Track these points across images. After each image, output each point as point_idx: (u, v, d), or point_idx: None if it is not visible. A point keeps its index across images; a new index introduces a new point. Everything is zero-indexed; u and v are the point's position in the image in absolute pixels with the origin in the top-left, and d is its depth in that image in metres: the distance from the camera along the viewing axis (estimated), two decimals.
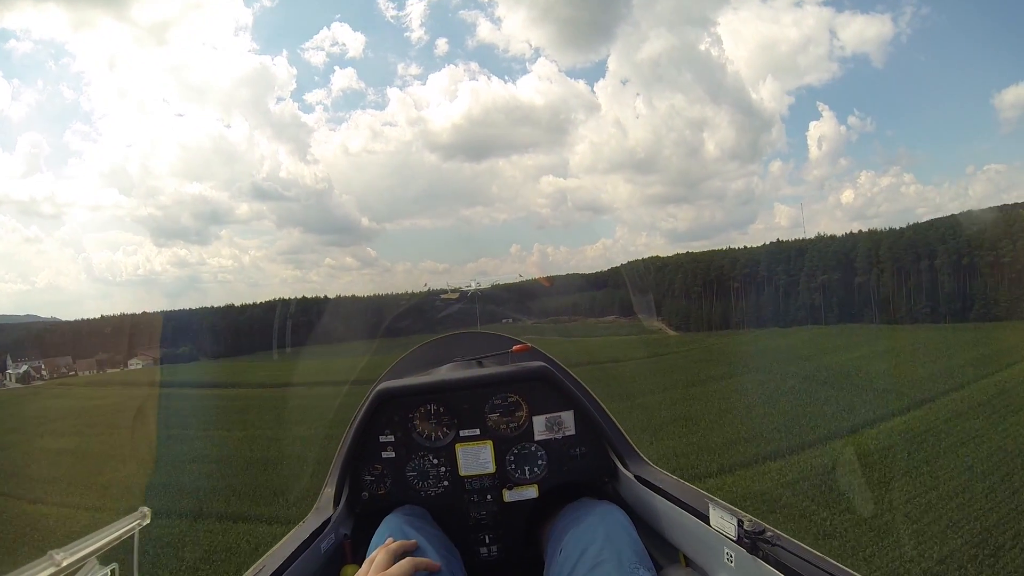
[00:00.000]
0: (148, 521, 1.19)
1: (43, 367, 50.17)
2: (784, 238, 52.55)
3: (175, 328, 53.10)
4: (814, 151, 62.32)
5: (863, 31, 60.31)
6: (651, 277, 61.02)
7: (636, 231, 73.06)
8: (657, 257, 65.02)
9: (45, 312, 64.86)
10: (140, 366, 50.97)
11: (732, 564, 1.58)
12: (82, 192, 70.01)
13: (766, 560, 1.43)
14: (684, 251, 58.69)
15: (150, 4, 67.12)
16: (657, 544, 2.02)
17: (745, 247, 53.23)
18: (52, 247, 66.83)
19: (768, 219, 65.68)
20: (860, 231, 50.42)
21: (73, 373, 50.55)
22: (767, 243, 52.84)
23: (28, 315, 53.69)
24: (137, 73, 68.19)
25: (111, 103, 67.87)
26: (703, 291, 51.94)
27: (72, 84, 70.54)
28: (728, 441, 17.63)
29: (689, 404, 22.73)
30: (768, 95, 62.15)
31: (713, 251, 56.34)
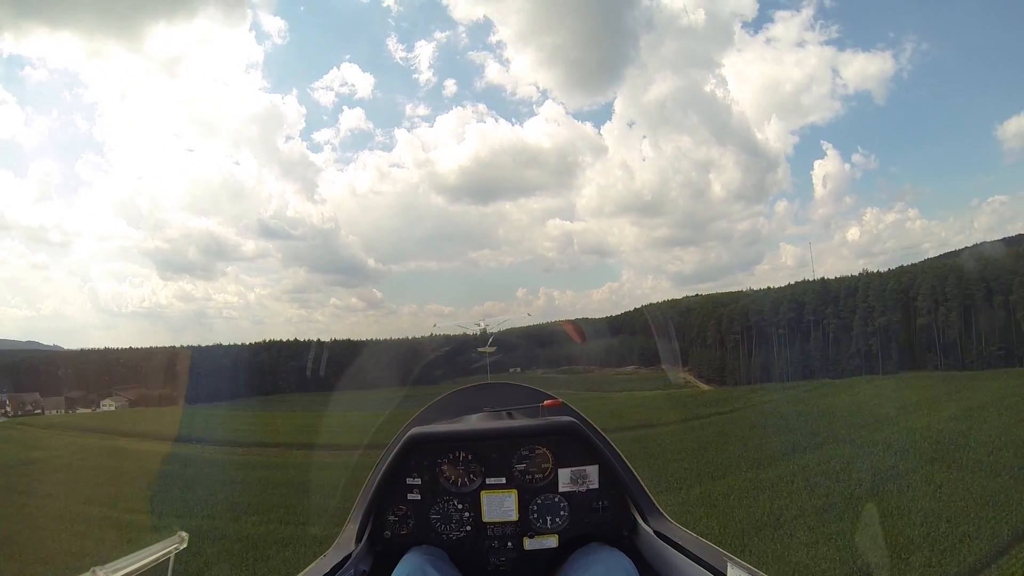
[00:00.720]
0: (185, 545, 1.24)
1: (7, 402, 45.80)
2: (791, 278, 52.69)
3: (170, 366, 50.32)
4: (819, 190, 62.62)
5: (864, 68, 58.86)
6: (675, 322, 57.01)
7: (642, 274, 71.17)
8: (678, 300, 62.76)
9: (48, 340, 63.65)
10: (113, 408, 47.17)
11: None
12: (91, 222, 69.73)
13: None
14: (693, 294, 57.95)
15: (163, 37, 68.01)
16: None
17: (788, 284, 47.13)
18: (59, 275, 65.47)
19: (774, 259, 64.74)
20: (913, 263, 44.26)
21: (39, 411, 46.20)
22: (804, 280, 46.72)
23: (30, 341, 52.69)
24: (149, 106, 69.40)
25: (123, 134, 68.59)
26: (739, 338, 45.44)
27: (86, 114, 73.18)
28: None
29: (774, 501, 16.06)
30: (773, 135, 61.03)
31: (745, 292, 50.94)
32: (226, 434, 34.50)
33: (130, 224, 69.34)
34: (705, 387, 44.84)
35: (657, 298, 66.74)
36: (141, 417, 40.75)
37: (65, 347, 52.73)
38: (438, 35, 69.59)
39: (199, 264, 66.58)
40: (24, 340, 53.57)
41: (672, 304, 63.29)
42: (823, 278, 46.97)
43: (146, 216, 62.76)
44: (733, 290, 56.04)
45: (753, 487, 17.65)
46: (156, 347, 54.77)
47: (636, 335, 59.28)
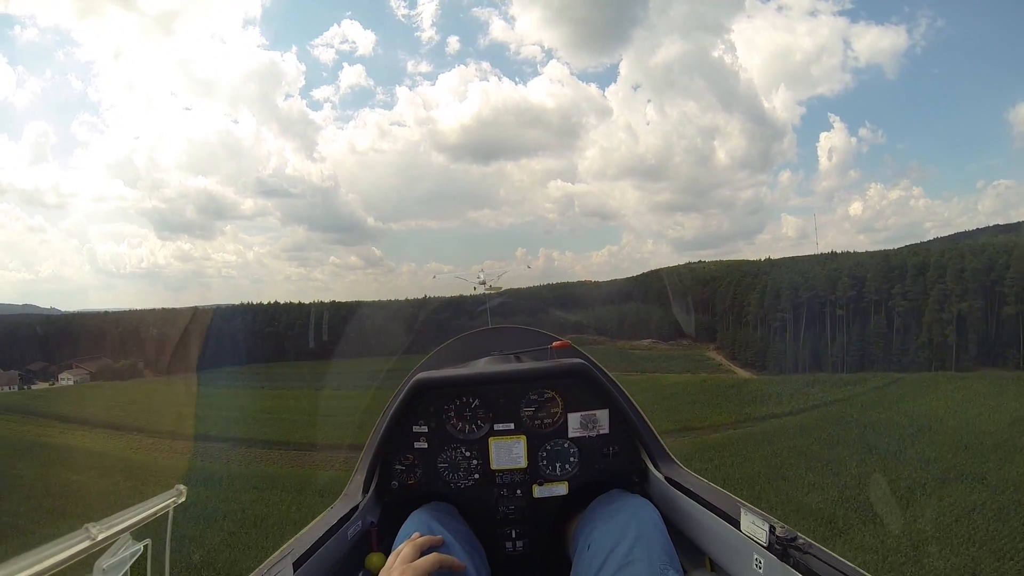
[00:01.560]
0: (183, 499, 1.21)
1: None
2: (792, 250, 52.84)
3: (149, 331, 48.18)
4: (824, 162, 61.85)
5: (877, 42, 58.78)
6: (695, 292, 50.65)
7: (642, 238, 72.27)
8: (697, 264, 57.34)
9: (45, 302, 61.01)
10: (71, 382, 44.48)
11: (761, 570, 1.55)
12: (87, 183, 68.90)
13: (796, 568, 1.40)
14: (696, 260, 55.20)
15: None
16: (684, 547, 1.96)
17: (850, 252, 39.98)
18: (56, 237, 66.37)
19: (775, 230, 64.83)
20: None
21: None
22: (868, 252, 39.52)
23: (27, 304, 52.22)
24: (145, 65, 67.85)
25: (118, 94, 66.79)
26: (785, 316, 38.27)
27: (80, 74, 70.04)
28: None
29: None
30: (780, 104, 61.60)
31: (789, 259, 43.70)
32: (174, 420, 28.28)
33: (127, 184, 68.11)
34: (743, 372, 38.07)
35: (658, 263, 65.13)
36: (93, 394, 37.51)
37: (62, 309, 50.67)
38: None
39: (197, 223, 66.62)
40: (20, 303, 53.07)
41: (690, 270, 56.92)
42: (885, 251, 39.58)
43: (143, 176, 62.86)
44: (773, 256, 50.99)
45: None
46: (148, 309, 52.05)
47: (649, 304, 53.19)
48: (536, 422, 2.26)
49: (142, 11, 67.91)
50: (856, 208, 63.10)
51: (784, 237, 65.97)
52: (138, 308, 52.82)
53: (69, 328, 49.25)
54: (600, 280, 62.04)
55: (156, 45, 69.63)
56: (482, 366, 2.52)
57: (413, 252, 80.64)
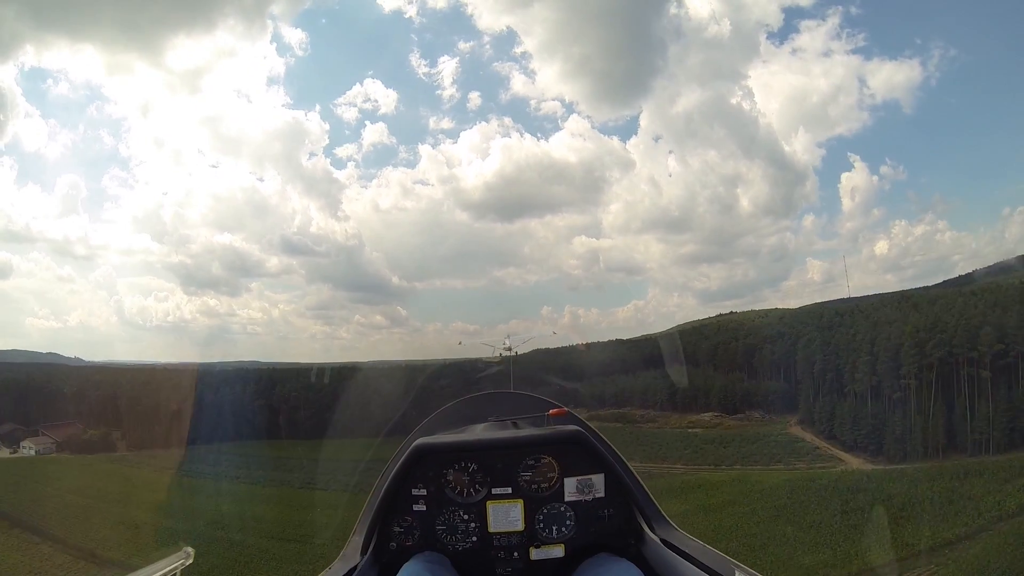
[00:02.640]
0: (191, 561, 1.21)
1: None
2: (819, 295, 55.63)
3: (140, 390, 45.10)
4: (847, 203, 62.55)
5: (891, 77, 58.74)
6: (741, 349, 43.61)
7: (668, 292, 69.39)
8: (733, 314, 52.94)
9: (71, 352, 60.25)
10: (32, 452, 41.09)
11: None
12: (116, 236, 71.73)
13: None
14: (727, 311, 54.13)
15: (184, 50, 69.06)
16: None
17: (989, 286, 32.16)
18: (85, 288, 67.06)
19: (801, 275, 63.68)
20: None
21: None
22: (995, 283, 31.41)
23: (51, 353, 52.78)
24: (172, 121, 71.57)
25: (147, 150, 71.31)
26: (913, 380, 29.44)
27: (111, 129, 77.43)
28: None
29: None
30: (801, 147, 61.21)
31: (887, 296, 35.39)
32: None
33: (155, 239, 68.24)
34: (855, 460, 29.12)
35: (684, 316, 64.12)
36: (42, 473, 35.10)
37: (86, 360, 52.24)
38: (462, 46, 69.71)
39: (223, 280, 67.94)
40: (45, 351, 53.17)
41: (732, 321, 49.44)
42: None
43: (170, 231, 64.17)
44: (793, 304, 50.53)
45: None
46: (171, 364, 53.22)
47: (700, 366, 45.26)
48: (533, 486, 2.36)
49: (169, 68, 68.90)
50: (882, 247, 59.93)
51: (810, 282, 63.33)
52: (163, 362, 54.95)
53: (67, 381, 47.06)
54: (629, 337, 57.21)
55: (183, 103, 72.30)
56: (480, 432, 2.62)
57: (438, 311, 78.87)
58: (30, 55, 56.37)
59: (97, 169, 77.18)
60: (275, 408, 46.44)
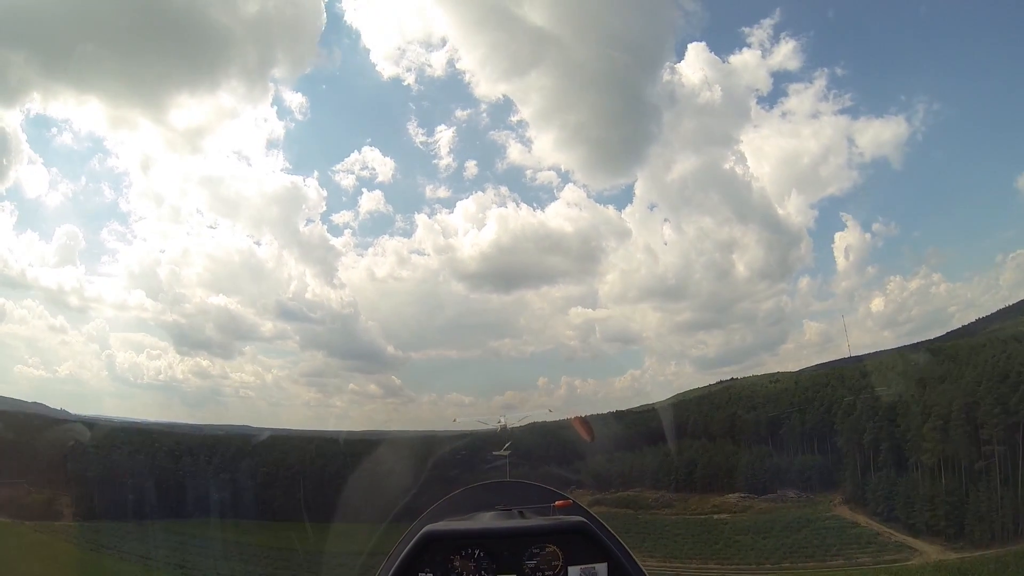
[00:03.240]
0: None
1: None
2: (817, 357, 55.06)
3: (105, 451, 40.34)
4: (841, 262, 62.07)
5: (879, 135, 61.09)
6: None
7: (665, 360, 70.80)
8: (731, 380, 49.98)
9: (58, 403, 57.79)
10: None
11: None
12: (110, 290, 71.77)
13: None
14: (726, 378, 52.38)
15: (186, 108, 70.88)
16: None
17: None
18: (77, 339, 68.25)
19: (798, 338, 64.85)
20: None
21: None
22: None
23: (36, 403, 51.21)
24: (173, 179, 75.53)
25: (147, 206, 73.90)
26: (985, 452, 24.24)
27: (112, 183, 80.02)
28: None
29: None
30: (794, 209, 62.63)
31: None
32: None
33: (149, 295, 70.20)
34: (932, 549, 23.45)
35: (681, 384, 63.39)
36: None
37: (72, 412, 50.31)
38: (459, 114, 72.01)
39: (216, 341, 68.32)
40: (31, 400, 51.53)
41: (741, 389, 45.31)
42: None
43: (166, 289, 64.42)
44: (793, 367, 49.04)
45: None
46: (162, 423, 52.21)
47: (715, 439, 40.06)
48: (538, 574, 2.44)
49: (171, 126, 70.49)
50: (878, 304, 60.34)
51: (808, 344, 63.45)
52: (152, 420, 53.80)
53: (38, 434, 42.42)
54: (628, 408, 54.19)
55: (184, 161, 72.28)
56: (488, 520, 2.75)
57: (433, 382, 77.09)
58: (36, 102, 57.08)
59: (96, 222, 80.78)
60: (263, 482, 41.08)
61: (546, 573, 2.40)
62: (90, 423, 46.15)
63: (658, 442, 43.93)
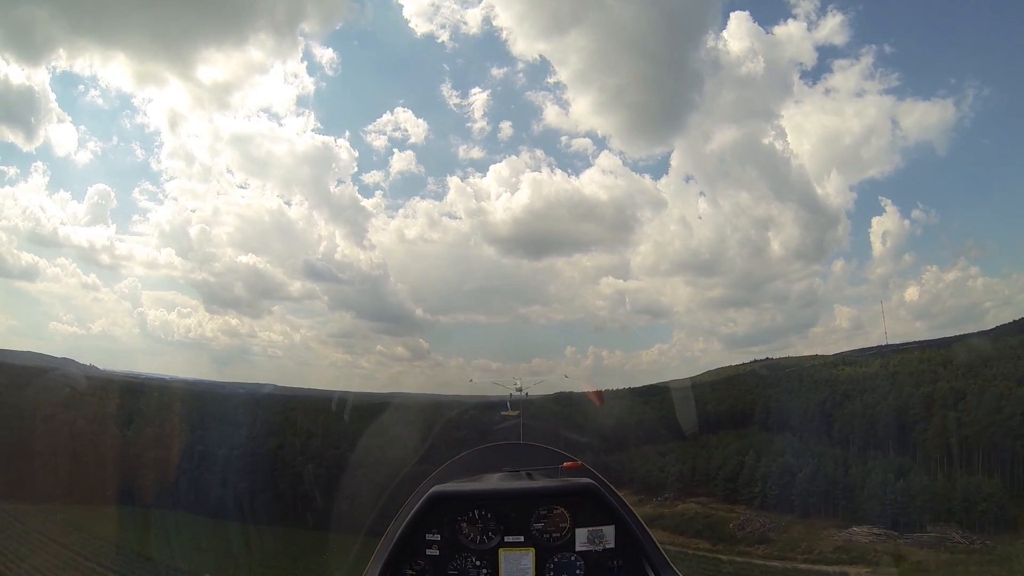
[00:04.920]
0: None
1: None
2: (846, 342, 55.39)
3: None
4: (877, 248, 58.64)
5: (925, 118, 56.83)
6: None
7: (694, 336, 67.67)
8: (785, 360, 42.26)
9: (89, 359, 55.89)
10: None
11: None
12: (141, 248, 69.74)
13: None
14: (745, 359, 48.88)
15: (213, 63, 68.74)
16: None
17: None
18: (109, 297, 68.29)
19: (828, 322, 60.15)
20: None
21: None
22: None
23: (66, 358, 49.33)
24: (202, 137, 70.65)
25: (177, 165, 70.35)
26: None
27: (143, 143, 78.12)
28: None
29: None
30: (833, 190, 58.03)
31: None
32: None
33: (179, 254, 69.00)
34: None
35: (709, 361, 66.82)
36: None
37: (102, 368, 49.35)
38: (495, 72, 70.85)
39: (245, 300, 69.34)
40: (60, 356, 53.05)
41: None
42: None
43: (196, 248, 63.08)
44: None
45: None
46: (188, 379, 50.80)
47: (798, 433, 29.59)
48: (545, 536, 2.45)
49: (199, 82, 66.82)
50: (912, 293, 56.46)
51: (837, 329, 59.41)
52: (181, 377, 52.22)
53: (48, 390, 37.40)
54: (657, 383, 47.51)
55: (213, 119, 67.67)
56: (495, 481, 2.72)
57: (461, 346, 79.25)
58: (62, 59, 55.47)
59: (127, 181, 79.80)
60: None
61: (553, 535, 2.43)
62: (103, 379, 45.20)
63: (718, 430, 34.96)
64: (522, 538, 2.41)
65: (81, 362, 49.77)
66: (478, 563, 2.40)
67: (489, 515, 2.42)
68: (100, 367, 49.72)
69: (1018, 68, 61.56)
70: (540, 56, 67.35)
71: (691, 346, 64.25)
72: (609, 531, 2.42)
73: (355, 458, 30.53)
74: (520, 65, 71.97)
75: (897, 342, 43.83)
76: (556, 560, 2.42)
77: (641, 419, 36.29)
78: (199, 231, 64.09)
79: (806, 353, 48.61)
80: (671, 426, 34.12)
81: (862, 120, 57.34)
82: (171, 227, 63.12)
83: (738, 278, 64.41)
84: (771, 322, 65.00)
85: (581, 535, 2.42)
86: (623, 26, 65.51)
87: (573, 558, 2.42)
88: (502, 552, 2.40)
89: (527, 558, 2.40)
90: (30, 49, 60.79)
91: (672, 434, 34.21)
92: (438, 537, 2.41)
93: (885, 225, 56.13)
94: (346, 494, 27.72)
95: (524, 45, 73.69)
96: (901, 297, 59.13)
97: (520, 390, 30.12)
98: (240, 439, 37.07)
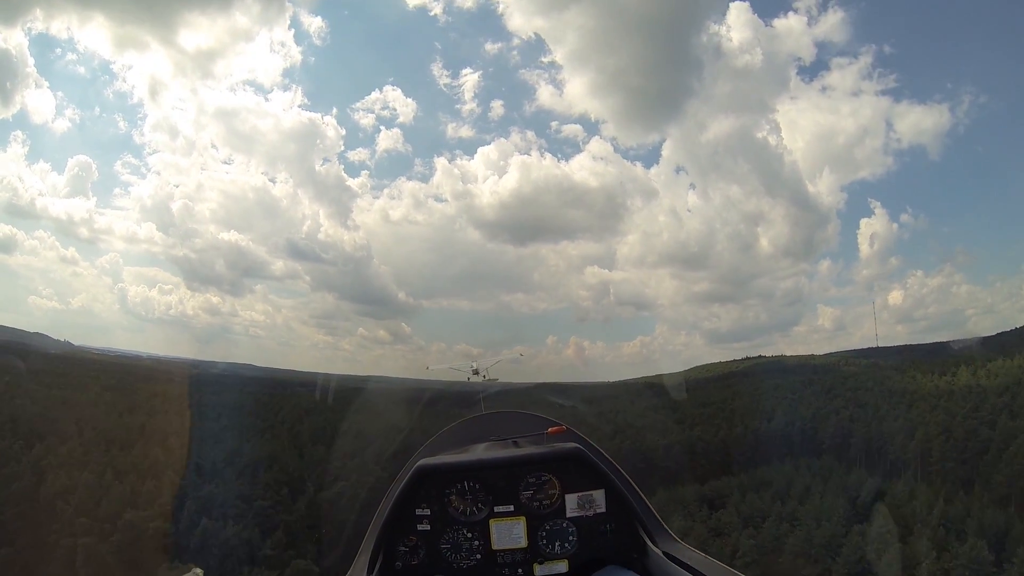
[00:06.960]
0: None
1: None
2: (828, 343, 55.14)
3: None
4: (865, 250, 61.80)
5: (919, 122, 58.97)
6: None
7: (676, 330, 70.57)
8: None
9: (63, 335, 55.43)
10: None
11: None
12: (121, 222, 69.92)
13: None
14: (725, 356, 50.56)
15: (197, 29, 66.37)
16: None
17: None
18: (89, 272, 67.46)
19: (811, 321, 64.92)
20: None
21: None
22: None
23: (37, 333, 50.30)
24: (185, 109, 70.80)
25: (160, 139, 71.54)
26: None
27: (126, 115, 75.27)
28: None
29: None
30: (825, 189, 60.49)
31: None
32: None
33: (160, 229, 67.74)
34: None
35: (690, 356, 64.13)
36: None
37: (76, 344, 50.50)
38: (488, 47, 68.49)
39: (227, 278, 67.88)
40: (31, 331, 51.38)
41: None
42: None
43: (178, 224, 63.77)
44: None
45: None
46: (164, 357, 53.03)
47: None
48: (535, 503, 2.43)
49: (182, 48, 67.74)
50: (896, 297, 60.21)
51: (820, 329, 63.45)
52: (159, 355, 53.97)
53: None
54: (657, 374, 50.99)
55: (197, 88, 68.79)
56: (481, 452, 2.65)
57: (443, 332, 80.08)
58: (39, 20, 53.99)
59: (108, 153, 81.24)
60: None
61: (543, 502, 2.41)
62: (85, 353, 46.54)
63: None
64: (512, 507, 2.41)
65: (55, 337, 50.95)
66: (469, 535, 2.40)
67: (477, 486, 2.41)
68: (74, 343, 51.01)
69: (1017, 78, 64.04)
70: (536, 34, 66.57)
71: (673, 340, 67.97)
72: (599, 495, 2.42)
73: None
74: (515, 41, 71.59)
75: (881, 345, 46.84)
76: (548, 527, 2.42)
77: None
78: (182, 206, 63.40)
79: (788, 352, 51.64)
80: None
81: (857, 120, 58.48)
82: (153, 202, 62.65)
83: (724, 273, 67.18)
84: (755, 319, 68.06)
85: (571, 501, 2.42)
86: (624, 6, 67.02)
87: (565, 524, 2.43)
88: (493, 522, 2.40)
89: (519, 527, 2.41)
90: (6, 8, 57.40)
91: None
92: (428, 511, 2.41)
93: (873, 227, 58.39)
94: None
95: (521, 20, 73.86)
96: (885, 300, 62.28)
97: (477, 372, 30.95)
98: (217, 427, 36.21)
